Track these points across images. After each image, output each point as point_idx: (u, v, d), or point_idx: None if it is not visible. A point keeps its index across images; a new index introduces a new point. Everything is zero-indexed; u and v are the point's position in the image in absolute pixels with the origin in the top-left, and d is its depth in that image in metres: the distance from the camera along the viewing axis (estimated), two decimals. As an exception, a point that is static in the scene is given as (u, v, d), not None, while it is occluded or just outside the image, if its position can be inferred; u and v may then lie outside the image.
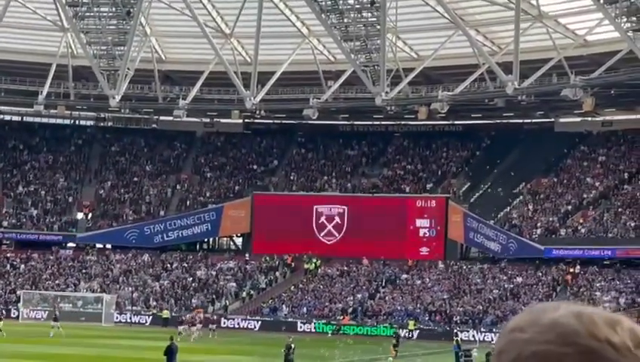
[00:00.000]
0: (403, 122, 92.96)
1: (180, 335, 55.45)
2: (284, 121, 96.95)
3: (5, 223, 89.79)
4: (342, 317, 73.40)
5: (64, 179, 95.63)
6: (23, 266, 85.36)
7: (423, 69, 78.53)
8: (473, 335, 66.85)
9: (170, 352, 33.11)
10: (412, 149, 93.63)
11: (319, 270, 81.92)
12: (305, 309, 75.96)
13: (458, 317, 72.21)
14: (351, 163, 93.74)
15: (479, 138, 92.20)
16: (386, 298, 76.83)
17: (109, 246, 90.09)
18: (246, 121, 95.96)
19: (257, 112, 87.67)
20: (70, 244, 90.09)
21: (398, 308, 74.73)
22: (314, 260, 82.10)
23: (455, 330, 63.34)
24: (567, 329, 1.79)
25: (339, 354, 45.51)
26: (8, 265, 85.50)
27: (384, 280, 79.68)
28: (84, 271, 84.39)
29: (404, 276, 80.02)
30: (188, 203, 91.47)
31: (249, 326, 73.67)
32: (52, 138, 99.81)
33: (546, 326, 1.81)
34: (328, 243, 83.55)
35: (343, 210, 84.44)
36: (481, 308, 73.47)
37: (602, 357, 1.76)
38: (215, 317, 67.79)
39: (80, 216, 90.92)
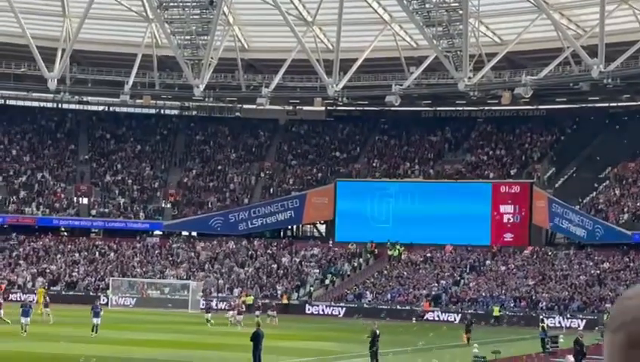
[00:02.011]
0: (486, 107, 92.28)
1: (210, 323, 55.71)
2: (366, 108, 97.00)
3: (94, 212, 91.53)
4: (424, 304, 73.26)
5: (150, 168, 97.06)
6: (111, 254, 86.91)
7: (507, 53, 77.84)
8: (559, 322, 66.23)
9: (257, 338, 33.44)
10: (495, 135, 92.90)
11: (403, 256, 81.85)
12: (389, 296, 76.00)
13: (544, 304, 71.56)
14: (434, 149, 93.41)
15: (564, 122, 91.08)
16: (470, 284, 76.46)
17: (194, 233, 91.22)
18: (328, 108, 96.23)
19: (340, 99, 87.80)
20: (157, 232, 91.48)
21: (483, 294, 74.34)
22: (398, 247, 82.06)
23: (541, 316, 62.78)
24: None
25: (420, 340, 45.50)
26: (97, 253, 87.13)
27: (468, 267, 79.30)
28: (170, 258, 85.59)
29: (488, 262, 79.55)
30: (271, 190, 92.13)
31: (333, 313, 73.98)
32: (138, 127, 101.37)
33: None
34: (412, 229, 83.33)
35: (427, 196, 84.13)
36: (567, 294, 72.71)
37: None
38: (274, 304, 67.56)
39: (166, 204, 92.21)
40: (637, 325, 2.02)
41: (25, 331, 46.13)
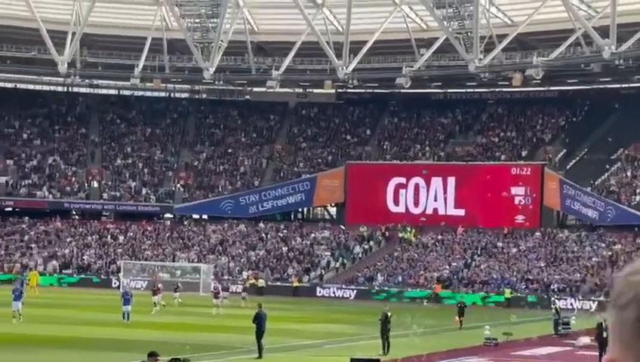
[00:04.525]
0: (497, 89, 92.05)
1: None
2: (376, 91, 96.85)
3: (105, 195, 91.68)
4: (435, 286, 73.23)
5: (160, 151, 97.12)
6: (122, 237, 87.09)
7: (517, 34, 77.55)
8: (571, 304, 66.13)
9: (259, 319, 33.51)
10: (506, 116, 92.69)
11: (414, 239, 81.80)
12: (400, 278, 75.99)
13: (555, 286, 71.45)
14: (444, 131, 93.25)
15: (575, 104, 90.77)
16: (482, 266, 76.39)
17: (205, 216, 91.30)
18: (338, 91, 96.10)
19: (350, 82, 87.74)
20: (167, 215, 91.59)
21: (494, 276, 74.27)
22: (408, 229, 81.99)
23: (553, 298, 62.74)
24: None
25: (428, 322, 45.48)
26: (109, 236, 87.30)
27: (479, 249, 79.22)
28: (181, 241, 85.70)
29: (500, 244, 79.43)
30: (282, 173, 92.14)
31: (344, 296, 74.04)
32: (148, 111, 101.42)
33: None
34: (422, 211, 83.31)
35: (437, 178, 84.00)
36: (578, 276, 72.58)
37: None
38: (243, 286, 66.25)
39: (176, 187, 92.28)
40: None
41: (20, 316, 44.03)
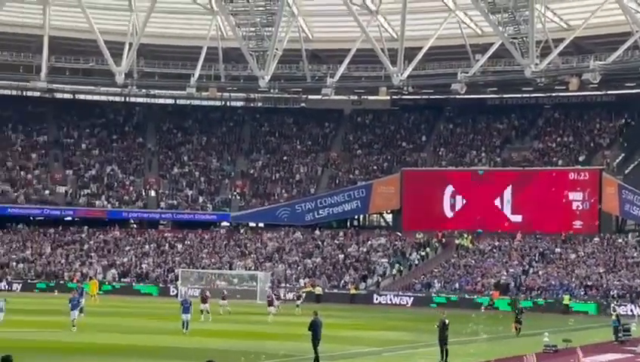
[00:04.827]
0: (553, 94, 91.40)
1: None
2: (431, 97, 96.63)
3: (162, 204, 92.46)
4: (492, 292, 72.77)
5: (217, 159, 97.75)
6: (180, 245, 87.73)
7: (574, 38, 76.95)
8: (631, 310, 65.38)
9: (315, 327, 33.53)
10: (563, 121, 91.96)
11: (471, 245, 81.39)
12: (457, 285, 75.66)
13: (615, 292, 70.63)
14: (501, 136, 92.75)
15: (633, 108, 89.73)
16: (540, 272, 75.76)
17: (261, 224, 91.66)
18: (393, 97, 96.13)
19: (405, 88, 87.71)
20: (224, 223, 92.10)
21: (552, 282, 73.62)
22: (465, 235, 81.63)
23: (612, 304, 62.08)
24: None
25: (486, 329, 45.22)
26: (166, 245, 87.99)
27: (537, 255, 78.59)
28: (238, 249, 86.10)
29: (558, 250, 78.76)
30: (337, 180, 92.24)
31: (401, 303, 73.87)
32: (204, 120, 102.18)
33: None
34: (479, 218, 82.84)
35: (493, 184, 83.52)
36: (638, 281, 71.68)
37: None
38: (225, 293, 64.94)
39: (233, 195, 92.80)
40: None
41: (74, 325, 44.09)
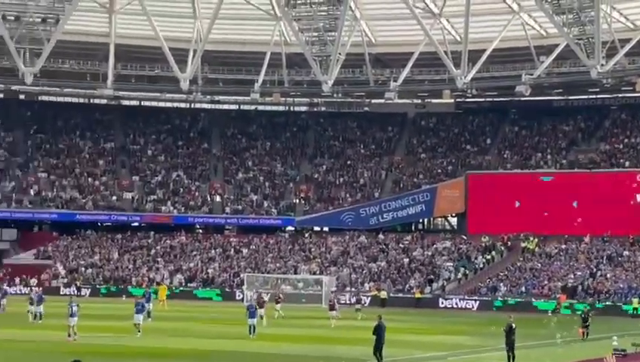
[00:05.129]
0: (620, 95, 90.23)
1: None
2: (496, 99, 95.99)
3: (227, 209, 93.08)
4: (559, 296, 72.00)
5: (281, 164, 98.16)
6: (245, 250, 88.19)
7: (640, 38, 75.95)
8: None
9: (379, 330, 33.52)
10: (630, 122, 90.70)
11: (537, 248, 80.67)
12: (523, 288, 75.00)
13: (686, 295, 69.42)
14: (566, 139, 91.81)
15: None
16: (608, 275, 74.79)
17: (325, 228, 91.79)
18: (457, 100, 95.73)
19: (469, 91, 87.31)
20: (289, 228, 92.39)
21: (621, 285, 72.63)
22: (531, 238, 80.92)
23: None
24: None
25: (553, 333, 44.77)
26: (232, 250, 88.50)
27: (604, 258, 77.60)
28: (302, 253, 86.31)
29: (626, 253, 77.67)
30: (402, 184, 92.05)
31: (467, 306, 73.46)
32: (268, 125, 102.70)
33: None
34: (545, 221, 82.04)
35: (560, 186, 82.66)
36: None
37: None
38: (281, 297, 64.88)
39: (297, 200, 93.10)
40: None
41: (139, 331, 44.33)
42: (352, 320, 56.36)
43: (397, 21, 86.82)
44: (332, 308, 56.05)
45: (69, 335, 40.51)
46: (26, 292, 72.81)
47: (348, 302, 71.22)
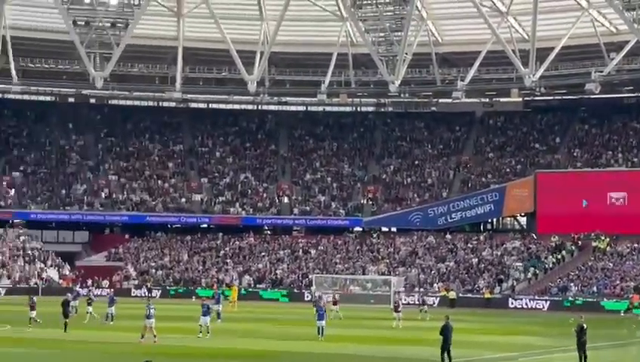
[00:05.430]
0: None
1: None
2: (565, 97, 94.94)
3: (295, 210, 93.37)
4: (632, 296, 70.94)
5: (348, 165, 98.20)
6: (313, 251, 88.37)
7: None
8: None
9: (446, 331, 33.37)
10: None
11: (608, 248, 79.59)
12: (595, 288, 74.07)
13: None
14: (637, 136, 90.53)
15: None
16: (681, 275, 73.53)
17: (393, 229, 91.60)
18: (526, 99, 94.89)
19: (537, 89, 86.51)
20: (357, 228, 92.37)
21: (695, 285, 71.35)
22: (603, 238, 79.87)
23: None
24: None
25: (625, 333, 44.21)
26: (300, 251, 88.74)
27: (678, 257, 76.31)
28: (370, 254, 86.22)
29: (701, 252, 76.31)
30: (470, 184, 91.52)
31: (537, 307, 72.73)
32: (335, 125, 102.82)
33: None
34: (617, 220, 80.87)
35: (632, 185, 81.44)
36: None
37: None
38: (337, 297, 64.23)
39: (365, 200, 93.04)
40: None
41: (208, 332, 43.65)
42: (418, 321, 56.11)
43: (463, 20, 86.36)
44: (396, 309, 55.90)
45: (142, 336, 40.93)
46: (98, 294, 73.70)
47: (416, 302, 70.93)
